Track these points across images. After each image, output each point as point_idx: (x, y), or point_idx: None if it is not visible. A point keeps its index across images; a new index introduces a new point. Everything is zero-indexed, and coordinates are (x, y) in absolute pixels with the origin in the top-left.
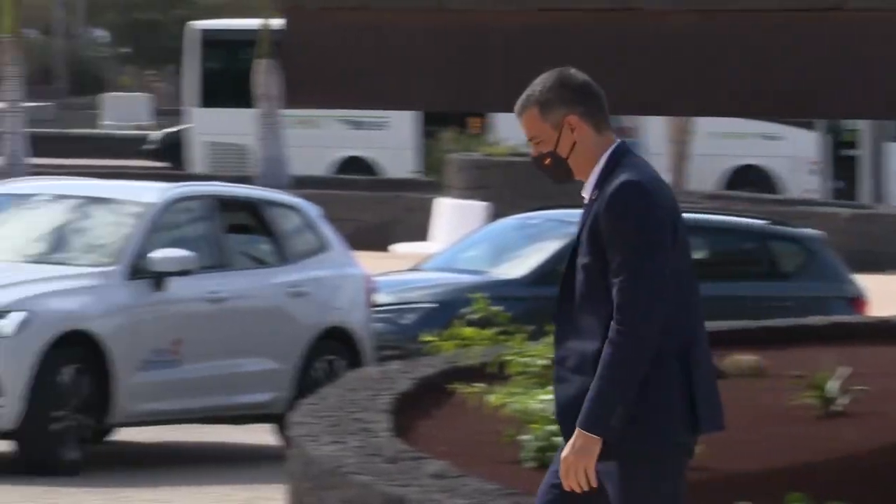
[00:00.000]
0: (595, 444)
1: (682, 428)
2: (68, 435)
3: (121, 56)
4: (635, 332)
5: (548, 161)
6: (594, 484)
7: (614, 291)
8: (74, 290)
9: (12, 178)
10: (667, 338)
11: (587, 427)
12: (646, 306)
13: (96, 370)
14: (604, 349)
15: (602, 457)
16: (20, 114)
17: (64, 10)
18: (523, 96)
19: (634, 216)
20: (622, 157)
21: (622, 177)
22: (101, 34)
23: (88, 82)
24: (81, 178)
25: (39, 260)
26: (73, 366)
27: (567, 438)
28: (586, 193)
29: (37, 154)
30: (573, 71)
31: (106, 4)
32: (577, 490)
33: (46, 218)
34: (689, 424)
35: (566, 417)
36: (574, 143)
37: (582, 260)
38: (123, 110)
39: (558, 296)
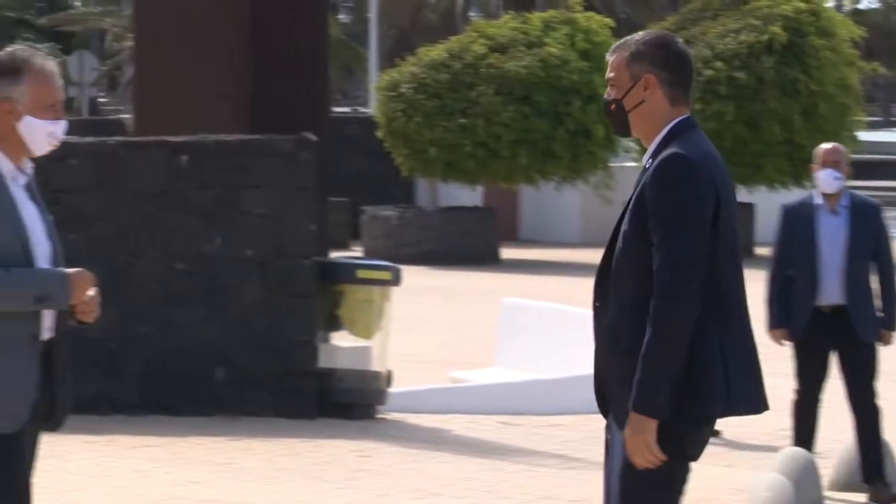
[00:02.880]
0: (650, 422)
1: (712, 407)
2: None
3: None
4: (672, 307)
5: (612, 107)
6: (662, 456)
7: (655, 266)
8: None
9: None
10: (703, 315)
11: (638, 409)
12: (681, 279)
13: None
14: (647, 327)
15: (618, 415)
16: None
17: None
18: (624, 39)
19: (676, 190)
20: (683, 130)
21: (674, 149)
22: None
23: None
24: None
25: None
26: None
27: (599, 405)
28: (645, 161)
29: None
30: (679, 40)
31: None
32: (649, 466)
33: None
34: (721, 403)
35: (596, 385)
36: (641, 102)
37: (623, 227)
38: None
39: (602, 260)
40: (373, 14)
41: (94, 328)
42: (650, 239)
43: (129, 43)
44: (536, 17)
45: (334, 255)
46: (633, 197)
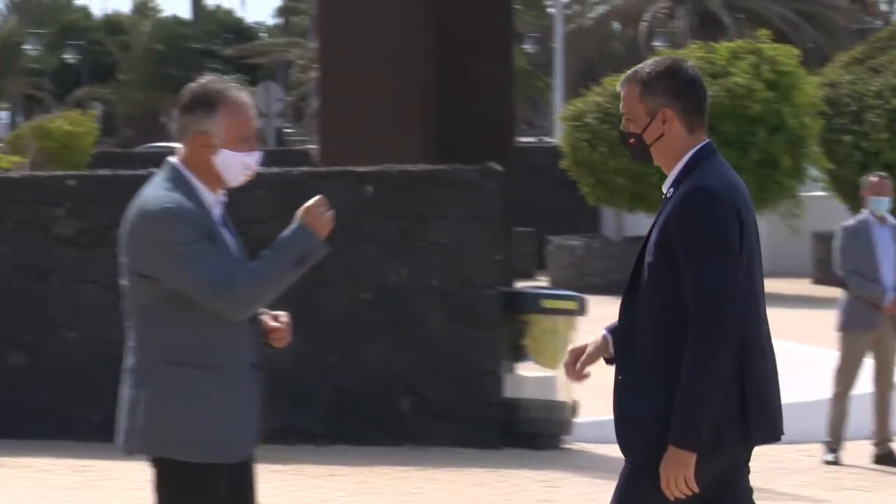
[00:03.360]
0: (689, 456)
1: (728, 438)
2: None
3: None
4: (711, 341)
5: (632, 141)
6: (694, 489)
7: (688, 299)
8: None
9: None
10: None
11: (678, 443)
12: (719, 312)
13: None
14: (684, 361)
15: (628, 445)
16: None
17: None
18: (633, 70)
19: (705, 223)
20: (704, 159)
21: (697, 181)
22: None
23: None
24: None
25: None
26: None
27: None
28: (665, 188)
29: None
30: (687, 64)
31: None
32: (681, 497)
33: None
34: (739, 434)
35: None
36: (662, 135)
37: (648, 258)
38: None
39: (626, 287)
40: (558, 44)
41: (282, 358)
42: (675, 270)
43: (314, 74)
44: (723, 47)
45: (519, 284)
46: (657, 227)
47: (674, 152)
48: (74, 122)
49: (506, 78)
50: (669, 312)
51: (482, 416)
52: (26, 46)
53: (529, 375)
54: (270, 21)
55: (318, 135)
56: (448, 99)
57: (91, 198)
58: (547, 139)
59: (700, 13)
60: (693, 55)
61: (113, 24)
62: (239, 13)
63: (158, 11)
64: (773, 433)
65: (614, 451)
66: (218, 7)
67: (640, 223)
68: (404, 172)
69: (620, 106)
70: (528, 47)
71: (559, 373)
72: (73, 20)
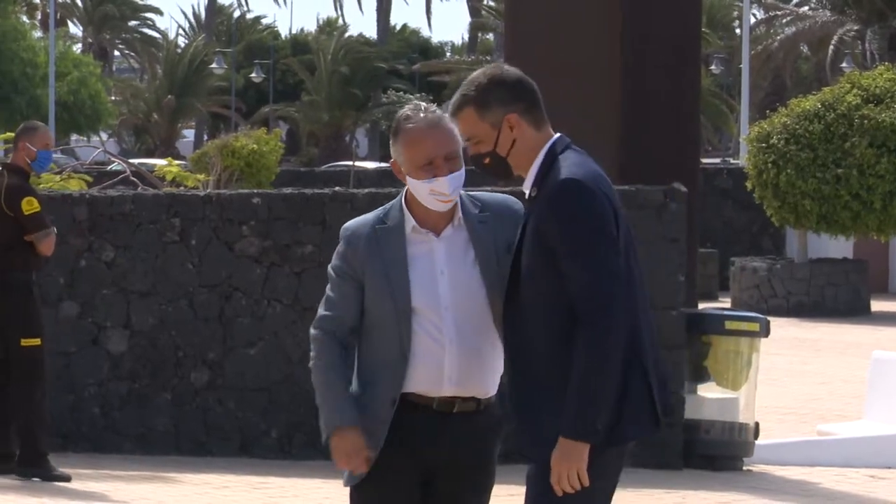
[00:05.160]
0: (583, 448)
1: (640, 425)
2: None
3: None
4: (604, 330)
5: (487, 161)
6: (586, 483)
7: (574, 293)
8: None
9: None
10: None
11: (573, 435)
12: (609, 301)
13: None
14: (576, 354)
15: (537, 447)
16: None
17: None
18: (457, 95)
19: (580, 215)
20: (560, 152)
21: (562, 174)
22: None
23: None
24: None
25: None
26: None
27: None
28: (526, 189)
29: None
30: (506, 67)
31: None
32: (570, 492)
33: None
34: (648, 421)
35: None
36: (514, 142)
37: (525, 259)
38: None
39: (505, 295)
40: (745, 65)
41: None
42: (555, 267)
43: None
44: None
45: (702, 306)
46: (529, 228)
47: (529, 152)
48: (260, 141)
49: (692, 98)
50: (557, 315)
51: (664, 437)
52: (213, 65)
53: (711, 397)
54: (457, 40)
55: None
56: (634, 119)
57: (276, 216)
58: (732, 160)
59: (889, 35)
60: (882, 76)
61: (299, 43)
62: (426, 32)
63: (344, 30)
64: (658, 423)
65: (795, 473)
66: (404, 26)
67: (826, 245)
68: None
69: (461, 138)
70: (714, 68)
71: (741, 394)
72: (260, 39)
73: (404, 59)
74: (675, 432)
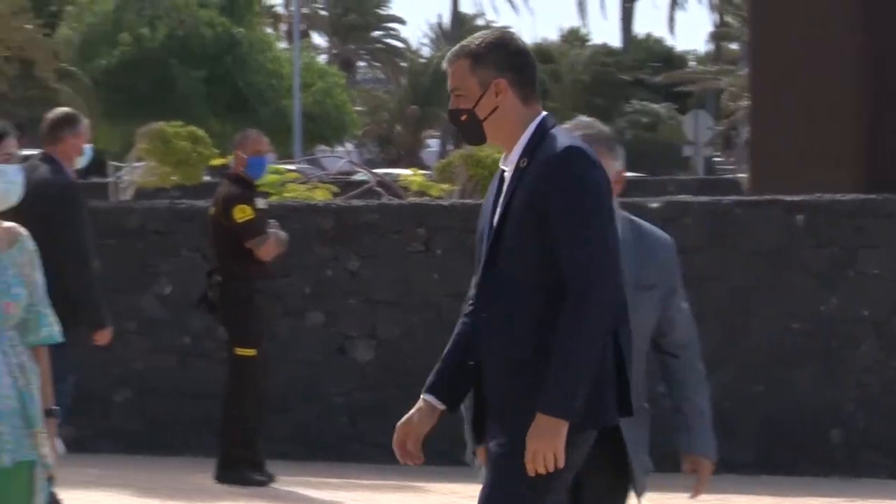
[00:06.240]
0: (563, 426)
1: (610, 407)
2: None
3: None
4: (595, 306)
5: (464, 118)
6: (561, 465)
7: (566, 265)
8: None
9: None
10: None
11: (554, 412)
12: (602, 279)
13: None
14: (561, 327)
15: (507, 420)
16: None
17: None
18: (459, 45)
19: (583, 182)
20: (552, 127)
21: (562, 143)
22: None
23: None
24: None
25: None
26: None
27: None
28: (510, 163)
29: None
30: (515, 35)
31: None
32: (542, 472)
33: None
34: (613, 404)
35: (486, 393)
36: (495, 108)
37: (511, 229)
38: None
39: (482, 264)
40: None
41: (710, 388)
42: (543, 241)
43: (745, 103)
44: None
45: None
46: (519, 198)
47: (511, 125)
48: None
49: None
50: (545, 291)
51: None
52: None
53: None
54: (702, 49)
55: (748, 163)
56: (881, 129)
57: None
58: None
59: None
60: None
61: (542, 52)
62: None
63: (587, 39)
64: (631, 409)
65: None
66: (648, 35)
67: None
68: (835, 202)
69: (448, 83)
70: None
71: None
72: None
73: (648, 68)
74: None
